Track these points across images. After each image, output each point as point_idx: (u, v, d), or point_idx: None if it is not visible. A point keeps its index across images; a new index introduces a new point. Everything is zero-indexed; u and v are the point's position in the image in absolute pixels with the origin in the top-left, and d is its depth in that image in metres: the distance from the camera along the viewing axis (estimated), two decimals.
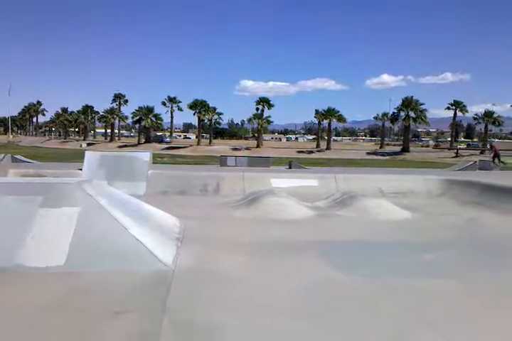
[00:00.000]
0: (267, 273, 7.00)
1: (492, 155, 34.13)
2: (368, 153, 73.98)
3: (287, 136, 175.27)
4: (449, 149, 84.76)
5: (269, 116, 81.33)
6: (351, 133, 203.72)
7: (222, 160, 25.12)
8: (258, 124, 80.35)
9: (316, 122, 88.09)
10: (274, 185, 17.36)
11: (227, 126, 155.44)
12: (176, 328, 4.74)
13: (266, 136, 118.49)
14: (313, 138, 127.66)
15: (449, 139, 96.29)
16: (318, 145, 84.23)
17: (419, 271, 7.25)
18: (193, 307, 5.36)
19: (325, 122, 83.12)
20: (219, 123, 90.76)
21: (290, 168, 24.92)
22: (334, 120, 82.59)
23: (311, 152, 76.62)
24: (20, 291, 5.88)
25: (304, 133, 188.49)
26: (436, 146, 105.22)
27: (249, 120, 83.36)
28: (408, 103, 76.50)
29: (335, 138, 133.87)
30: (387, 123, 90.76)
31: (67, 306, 5.40)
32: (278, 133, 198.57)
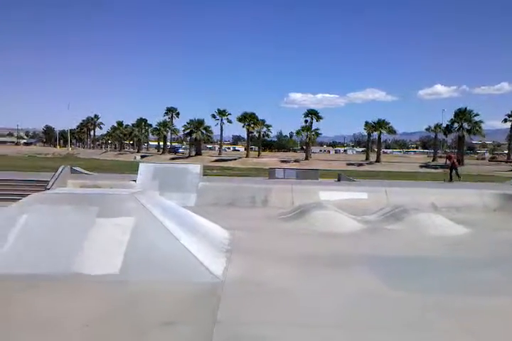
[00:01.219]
0: (314, 286, 6.97)
1: (449, 167, 25.81)
2: (421, 166, 71.84)
3: (336, 148, 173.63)
4: (506, 162, 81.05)
5: (318, 129, 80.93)
6: (402, 145, 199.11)
7: (270, 173, 25.25)
8: (306, 136, 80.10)
9: (366, 134, 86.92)
10: (322, 197, 17.25)
11: (275, 138, 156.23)
12: (226, 339, 4.79)
13: (314, 148, 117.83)
14: (362, 151, 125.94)
15: (506, 152, 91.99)
16: (367, 158, 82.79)
17: (473, 288, 6.93)
18: (242, 320, 5.42)
19: (375, 134, 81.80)
20: (268, 136, 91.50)
21: (339, 180, 24.66)
22: (384, 132, 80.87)
23: (360, 164, 75.40)
24: (76, 298, 6.13)
25: (352, 146, 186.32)
26: (492, 159, 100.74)
27: (298, 132, 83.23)
28: (462, 114, 73.83)
29: (385, 150, 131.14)
30: (440, 135, 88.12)
31: (120, 314, 5.59)
32: (326, 146, 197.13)
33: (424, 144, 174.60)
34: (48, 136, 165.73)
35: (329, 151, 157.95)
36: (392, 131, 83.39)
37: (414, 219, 12.73)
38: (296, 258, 8.67)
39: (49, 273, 6.74)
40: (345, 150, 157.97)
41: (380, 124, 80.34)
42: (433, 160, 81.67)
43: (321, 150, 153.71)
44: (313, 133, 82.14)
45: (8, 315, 5.49)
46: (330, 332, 5.12)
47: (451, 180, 24.47)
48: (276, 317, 5.55)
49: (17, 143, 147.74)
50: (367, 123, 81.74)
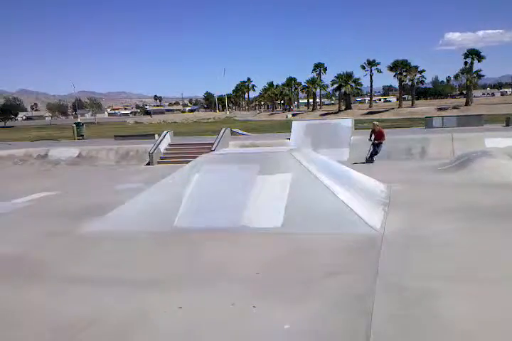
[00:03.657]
0: (477, 239, 6.59)
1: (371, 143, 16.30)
2: None
3: (502, 89, 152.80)
4: None
5: (480, 70, 72.06)
6: None
7: (427, 122, 23.72)
8: (467, 80, 72.20)
9: None
10: (489, 145, 15.78)
11: (430, 85, 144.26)
12: (390, 292, 4.85)
13: (476, 92, 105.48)
14: None
15: None
16: None
17: None
18: (405, 272, 5.41)
19: None
20: (422, 83, 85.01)
21: (507, 125, 22.06)
22: None
23: None
24: (245, 249, 6.75)
25: None
26: None
27: (456, 76, 75.57)
28: None
29: None
30: None
31: (286, 264, 6.02)
32: (490, 88, 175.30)
33: None
34: (208, 101, 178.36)
35: (493, 94, 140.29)
36: None
37: None
38: (458, 210, 8.23)
39: (222, 227, 7.54)
40: None
41: None
42: None
43: (484, 94, 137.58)
44: (474, 75, 73.56)
45: (192, 264, 6.36)
46: (496, 288, 4.87)
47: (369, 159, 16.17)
48: (441, 270, 5.43)
49: (183, 111, 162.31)
50: None
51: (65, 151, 20.66)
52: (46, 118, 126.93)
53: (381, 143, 15.97)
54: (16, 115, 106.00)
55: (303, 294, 4.98)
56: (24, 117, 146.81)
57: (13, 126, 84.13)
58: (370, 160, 16.03)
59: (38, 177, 16.55)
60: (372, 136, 16.20)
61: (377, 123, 16.66)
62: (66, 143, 26.56)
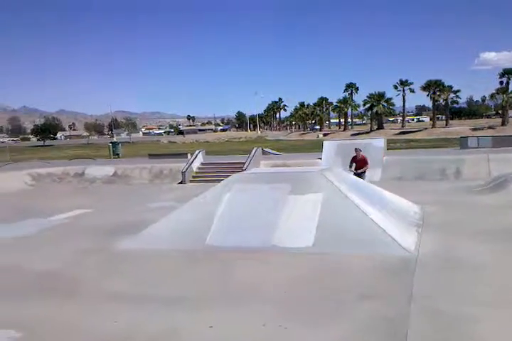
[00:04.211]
0: None
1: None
2: None
3: None
4: None
5: None
6: None
7: (462, 142, 23.29)
8: (502, 100, 70.67)
9: None
10: None
11: (465, 105, 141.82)
12: (424, 316, 4.74)
13: None
14: None
15: None
16: None
17: None
18: (440, 295, 5.29)
19: None
20: (456, 103, 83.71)
21: None
22: None
23: None
24: (276, 269, 6.73)
25: None
26: None
27: (492, 96, 74.20)
28: None
29: None
30: None
31: (317, 284, 5.97)
32: None
33: None
34: (240, 121, 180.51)
35: None
36: None
37: None
38: (494, 232, 8.01)
39: (253, 246, 7.56)
40: None
41: None
42: None
43: None
44: (510, 95, 71.94)
45: (223, 283, 6.39)
46: None
47: None
48: (478, 293, 5.28)
49: (215, 130, 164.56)
50: None
51: (100, 170, 21.24)
52: (84, 138, 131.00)
53: (364, 172, 13.35)
54: (55, 134, 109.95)
55: (334, 316, 4.92)
56: (63, 136, 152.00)
57: (52, 145, 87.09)
58: None
59: (75, 194, 17.05)
60: (354, 165, 13.47)
61: (360, 148, 13.86)
62: (102, 161, 27.30)
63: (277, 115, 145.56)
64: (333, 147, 19.93)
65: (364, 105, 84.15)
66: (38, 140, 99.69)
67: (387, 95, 79.95)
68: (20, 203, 15.05)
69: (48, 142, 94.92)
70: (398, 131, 74.93)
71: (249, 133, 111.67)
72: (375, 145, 19.28)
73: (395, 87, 79.33)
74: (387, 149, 20.53)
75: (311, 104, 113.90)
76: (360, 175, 12.73)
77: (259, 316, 4.98)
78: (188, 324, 4.88)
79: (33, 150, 61.87)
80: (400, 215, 8.86)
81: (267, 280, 6.22)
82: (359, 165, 13.34)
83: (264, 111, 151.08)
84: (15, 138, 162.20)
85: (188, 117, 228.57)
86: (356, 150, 13.64)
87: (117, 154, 31.64)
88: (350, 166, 13.41)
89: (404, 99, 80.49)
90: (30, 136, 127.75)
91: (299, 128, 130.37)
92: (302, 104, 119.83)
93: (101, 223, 10.82)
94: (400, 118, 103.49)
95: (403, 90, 79.05)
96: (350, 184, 9.23)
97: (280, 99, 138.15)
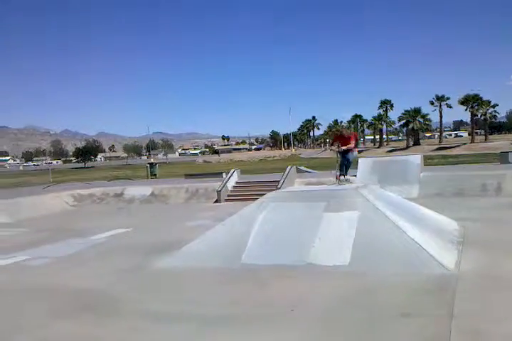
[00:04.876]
0: None
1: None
2: None
3: None
4: None
5: None
6: None
7: (502, 157, 22.62)
8: None
9: None
10: None
11: (505, 119, 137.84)
12: (465, 335, 4.62)
13: None
14: None
15: None
16: None
17: None
18: (483, 315, 5.14)
19: None
20: (495, 117, 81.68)
21: None
22: None
23: None
24: (313, 287, 6.69)
25: None
26: None
27: None
28: None
29: None
30: None
31: (355, 303, 5.89)
32: None
33: None
34: (274, 140, 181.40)
35: None
36: None
37: None
38: None
39: (289, 264, 7.55)
40: None
41: None
42: None
43: None
44: None
45: (260, 301, 6.40)
46: None
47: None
48: None
49: (249, 149, 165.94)
50: None
51: (139, 190, 21.75)
52: (123, 159, 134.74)
53: (351, 150, 10.42)
54: (96, 156, 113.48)
55: (373, 335, 4.85)
56: (103, 158, 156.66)
57: (92, 167, 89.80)
58: (343, 176, 10.37)
59: (114, 214, 17.49)
60: (338, 145, 10.48)
61: (344, 125, 10.87)
62: (140, 182, 27.95)
63: (311, 133, 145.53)
64: (369, 164, 19.73)
65: (399, 121, 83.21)
66: (78, 162, 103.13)
67: (424, 111, 78.85)
68: (63, 223, 15.56)
69: (88, 164, 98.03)
70: (435, 147, 73.41)
71: (283, 152, 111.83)
72: (411, 161, 18.99)
73: (431, 103, 78.18)
74: (425, 165, 20.16)
75: (345, 121, 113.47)
76: (346, 154, 10.34)
77: (297, 336, 4.96)
78: None
79: (75, 172, 64.01)
80: (439, 232, 8.66)
81: (304, 299, 6.19)
82: (344, 142, 10.35)
83: (298, 129, 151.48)
84: (57, 161, 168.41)
85: (223, 137, 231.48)
86: (343, 127, 10.16)
87: (154, 174, 32.35)
88: (332, 146, 10.68)
89: (441, 114, 79.13)
90: (72, 158, 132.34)
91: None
92: (336, 122, 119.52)
93: (140, 242, 11.05)
94: (437, 134, 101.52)
95: (440, 106, 77.76)
96: (387, 201, 9.13)
97: (314, 117, 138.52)
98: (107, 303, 6.59)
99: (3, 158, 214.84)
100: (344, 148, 10.16)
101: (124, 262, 9.03)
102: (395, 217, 8.05)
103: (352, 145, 10.35)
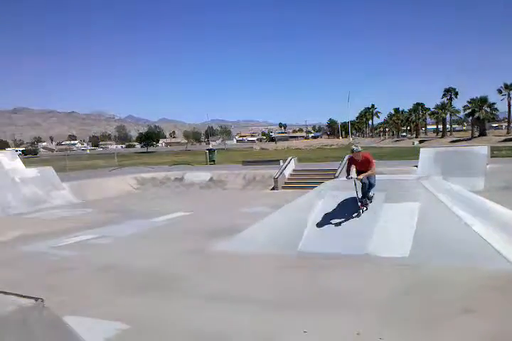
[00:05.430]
0: None
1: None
2: None
3: None
4: None
5: None
6: None
7: None
8: None
9: None
10: None
11: None
12: None
13: None
14: None
15: None
16: None
17: None
18: None
19: None
20: None
21: None
22: None
23: None
24: (370, 278, 6.66)
25: None
26: None
27: None
28: None
29: None
30: None
31: (414, 295, 5.81)
32: None
33: None
34: (331, 128, 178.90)
35: None
36: None
37: None
38: None
39: (346, 253, 7.54)
40: None
41: None
42: None
43: None
44: None
45: (316, 289, 6.46)
46: None
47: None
48: None
49: (306, 137, 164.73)
50: None
51: (198, 175, 22.30)
52: (183, 145, 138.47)
53: (371, 175, 8.66)
54: (157, 141, 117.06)
55: (433, 330, 4.77)
56: (164, 143, 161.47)
57: (154, 152, 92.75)
58: (364, 203, 8.52)
59: (175, 198, 18.09)
60: (353, 169, 9.00)
61: (358, 145, 9.62)
62: (199, 167, 28.60)
63: (370, 122, 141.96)
64: (431, 154, 19.04)
65: (464, 110, 79.20)
66: (141, 147, 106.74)
67: (491, 100, 74.66)
68: (127, 205, 16.31)
69: (150, 148, 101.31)
70: (503, 138, 69.43)
71: (341, 140, 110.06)
72: (476, 152, 18.15)
73: (499, 92, 73.81)
74: (491, 157, 19.20)
75: (406, 110, 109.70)
76: (365, 182, 8.56)
77: (353, 324, 4.98)
78: (282, 328, 5.02)
79: (138, 156, 66.36)
80: (507, 227, 8.28)
81: (360, 289, 6.18)
82: (362, 167, 8.82)
83: (356, 117, 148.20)
84: (121, 145, 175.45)
85: (280, 125, 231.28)
86: (353, 150, 8.82)
87: (213, 160, 32.93)
88: (348, 173, 8.91)
89: (509, 103, 74.58)
90: (135, 143, 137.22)
91: (393, 134, 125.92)
92: (396, 110, 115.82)
93: (199, 226, 11.41)
94: (504, 125, 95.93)
95: (508, 94, 73.28)
96: (450, 193, 8.83)
97: (373, 105, 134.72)
98: (168, 283, 6.91)
99: (72, 142, 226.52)
100: (366, 174, 8.50)
101: (184, 244, 9.39)
102: (459, 210, 7.78)
103: (374, 169, 8.71)
